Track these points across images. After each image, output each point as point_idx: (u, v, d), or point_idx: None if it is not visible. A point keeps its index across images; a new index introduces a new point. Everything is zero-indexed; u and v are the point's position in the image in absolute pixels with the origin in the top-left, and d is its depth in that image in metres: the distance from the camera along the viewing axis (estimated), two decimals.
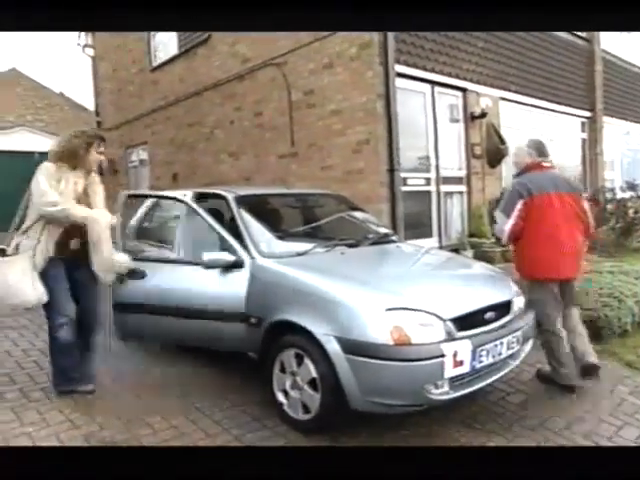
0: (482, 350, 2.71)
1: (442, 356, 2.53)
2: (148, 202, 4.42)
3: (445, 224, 6.98)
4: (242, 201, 3.74)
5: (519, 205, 3.28)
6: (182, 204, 3.80)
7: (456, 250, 6.00)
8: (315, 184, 6.23)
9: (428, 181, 6.79)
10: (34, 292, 3.12)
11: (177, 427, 2.93)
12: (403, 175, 6.20)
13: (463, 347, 2.61)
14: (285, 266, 3.16)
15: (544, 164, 3.45)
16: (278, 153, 7.26)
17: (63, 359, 3.29)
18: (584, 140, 10.03)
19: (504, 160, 7.24)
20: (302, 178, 6.78)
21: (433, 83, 6.77)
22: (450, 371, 2.56)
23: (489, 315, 2.87)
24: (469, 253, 6.28)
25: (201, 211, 3.59)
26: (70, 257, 3.26)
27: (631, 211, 8.70)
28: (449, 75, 6.87)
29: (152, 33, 9.93)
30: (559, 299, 3.40)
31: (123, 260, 3.40)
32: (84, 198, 3.29)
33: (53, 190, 3.12)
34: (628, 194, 9.35)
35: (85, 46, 11.99)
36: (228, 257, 3.22)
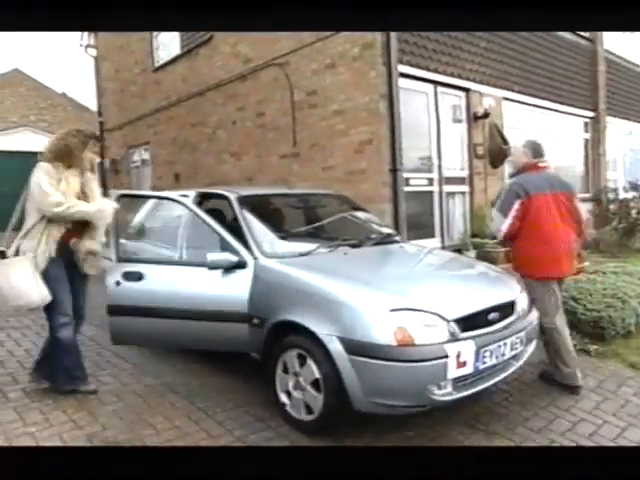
0: (486, 351, 2.70)
1: (445, 357, 2.52)
2: (150, 202, 4.39)
3: (447, 224, 6.97)
4: (245, 201, 3.74)
5: (516, 205, 3.33)
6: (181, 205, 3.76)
7: (458, 250, 5.99)
8: (317, 184, 6.22)
9: (431, 181, 6.77)
10: (38, 293, 3.13)
11: (180, 427, 2.93)
12: (406, 175, 6.18)
13: (466, 348, 2.60)
14: (288, 266, 3.15)
15: (540, 164, 3.49)
16: (280, 153, 7.26)
17: (66, 358, 3.30)
18: (587, 140, 10.00)
19: (507, 160, 7.21)
20: (304, 178, 6.77)
21: (436, 83, 6.75)
22: (453, 372, 2.55)
23: (493, 316, 2.86)
24: (472, 253, 6.26)
25: (198, 211, 3.56)
26: (69, 256, 3.30)
27: (634, 211, 8.68)
28: (452, 75, 6.85)
29: (154, 33, 9.94)
30: (558, 296, 3.44)
31: (109, 205, 3.37)
32: (82, 196, 3.32)
33: (54, 190, 3.14)
34: (631, 194, 9.34)
35: (88, 46, 12.01)
36: (231, 258, 3.21)
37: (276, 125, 7.28)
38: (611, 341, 4.13)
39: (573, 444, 2.77)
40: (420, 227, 6.55)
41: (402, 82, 6.09)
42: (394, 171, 5.93)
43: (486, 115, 7.20)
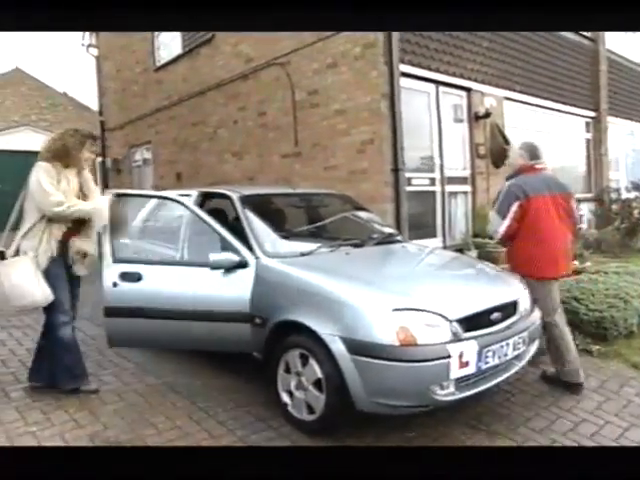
0: (488, 351, 2.70)
1: (448, 357, 2.51)
2: (148, 202, 4.37)
3: (449, 224, 6.96)
4: (247, 201, 3.73)
5: (514, 207, 3.36)
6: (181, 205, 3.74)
7: (460, 250, 5.98)
8: (319, 184, 6.21)
9: (432, 181, 6.77)
10: (41, 292, 3.14)
11: (181, 427, 2.93)
12: (407, 175, 6.18)
13: (469, 348, 2.60)
14: (290, 266, 3.14)
15: (537, 166, 3.52)
16: (282, 153, 7.25)
17: (67, 357, 3.30)
18: (588, 140, 9.98)
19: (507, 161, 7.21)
20: (306, 178, 6.76)
21: (437, 83, 6.74)
22: (456, 372, 2.55)
23: (495, 316, 2.85)
24: (473, 253, 6.25)
25: (197, 210, 3.54)
26: (67, 255, 3.31)
27: (636, 211, 8.67)
28: (453, 75, 6.84)
29: (156, 33, 9.94)
30: (557, 294, 3.48)
31: (105, 202, 3.36)
32: (81, 196, 3.34)
33: (55, 190, 3.15)
34: (633, 194, 9.32)
35: (89, 46, 12.00)
36: (233, 257, 3.19)
37: (277, 125, 7.27)
38: (613, 341, 4.12)
39: (575, 444, 2.77)
40: (422, 227, 6.55)
41: (404, 82, 6.09)
42: (396, 171, 5.93)
43: (487, 115, 7.20)
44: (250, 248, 3.27)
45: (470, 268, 3.83)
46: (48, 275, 3.18)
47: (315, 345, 2.73)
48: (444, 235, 6.87)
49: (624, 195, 9.44)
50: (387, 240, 4.04)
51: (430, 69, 6.53)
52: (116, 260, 3.43)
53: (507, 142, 7.14)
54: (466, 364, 2.58)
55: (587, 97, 9.58)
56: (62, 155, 3.25)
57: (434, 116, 6.79)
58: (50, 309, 3.25)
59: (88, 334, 4.49)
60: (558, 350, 3.39)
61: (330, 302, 2.75)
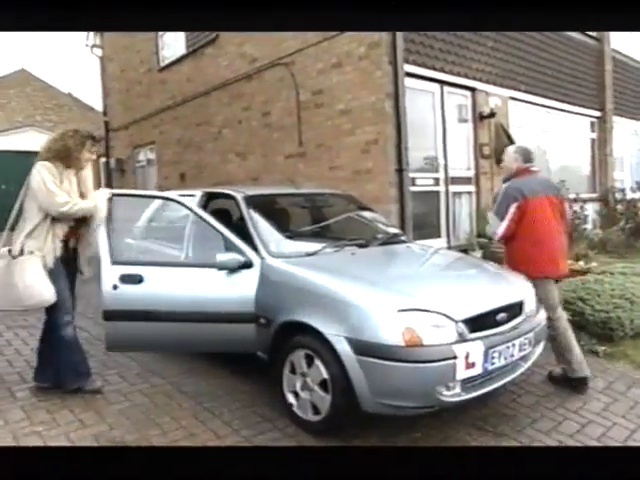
0: (494, 352, 2.69)
1: (454, 358, 2.50)
2: (155, 203, 4.35)
3: (454, 224, 6.95)
4: (251, 201, 3.72)
5: (512, 208, 3.42)
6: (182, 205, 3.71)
7: (465, 250, 5.96)
8: (323, 184, 6.20)
9: (437, 181, 6.75)
10: (50, 292, 3.14)
11: (186, 428, 2.93)
12: (412, 175, 6.17)
13: (475, 349, 2.58)
14: (295, 266, 3.14)
15: (532, 168, 3.61)
16: (286, 153, 7.25)
17: (72, 356, 3.31)
18: (593, 140, 9.95)
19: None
20: (310, 178, 6.76)
21: (442, 83, 6.73)
22: (462, 373, 2.54)
23: (501, 316, 2.84)
24: (478, 253, 6.24)
25: (199, 210, 3.52)
26: (68, 255, 3.33)
27: None
28: (458, 75, 6.83)
29: (159, 33, 9.95)
30: (556, 294, 3.52)
31: (103, 198, 3.37)
32: (79, 194, 3.35)
33: (59, 189, 3.17)
34: (638, 194, 9.29)
35: (93, 46, 12.05)
36: (239, 258, 3.18)
37: (282, 125, 7.27)
38: (620, 342, 4.10)
39: (576, 443, 2.75)
40: (426, 227, 6.54)
41: (408, 81, 6.08)
42: (400, 171, 5.92)
43: (492, 115, 7.18)
44: (255, 248, 3.27)
45: (475, 268, 3.82)
46: (52, 274, 3.19)
47: (320, 346, 2.72)
48: (448, 235, 6.86)
49: (629, 195, 9.41)
50: (392, 240, 4.03)
51: (435, 69, 6.52)
52: (115, 262, 3.31)
53: (512, 142, 7.12)
54: (472, 365, 2.56)
55: (592, 97, 9.55)
56: (63, 155, 3.26)
57: (438, 116, 6.77)
58: (53, 309, 3.25)
59: (93, 334, 4.50)
60: (561, 345, 3.40)
61: (335, 302, 2.74)
